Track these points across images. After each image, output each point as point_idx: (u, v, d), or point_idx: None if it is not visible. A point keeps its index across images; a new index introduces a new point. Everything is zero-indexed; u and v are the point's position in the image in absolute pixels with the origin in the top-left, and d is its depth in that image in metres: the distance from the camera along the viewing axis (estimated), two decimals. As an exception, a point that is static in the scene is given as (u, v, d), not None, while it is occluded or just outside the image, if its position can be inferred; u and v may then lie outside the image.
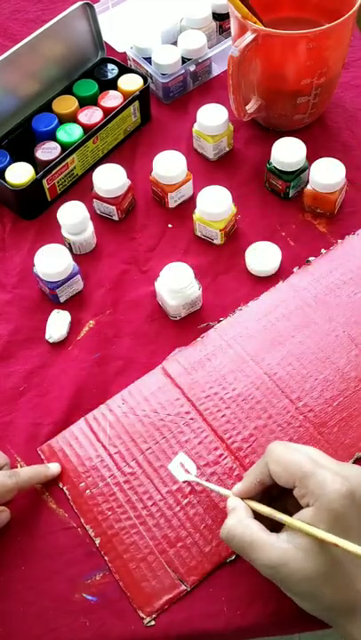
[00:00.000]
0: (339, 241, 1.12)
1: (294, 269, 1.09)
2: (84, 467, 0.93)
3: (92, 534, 0.88)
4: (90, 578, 0.86)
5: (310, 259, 1.10)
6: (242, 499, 0.81)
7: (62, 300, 1.07)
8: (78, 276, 1.06)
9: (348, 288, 1.07)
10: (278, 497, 0.81)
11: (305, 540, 0.72)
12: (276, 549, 0.73)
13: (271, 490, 0.80)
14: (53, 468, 0.92)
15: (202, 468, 0.92)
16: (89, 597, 0.84)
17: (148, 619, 0.83)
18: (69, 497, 0.91)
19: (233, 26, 1.14)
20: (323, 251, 1.11)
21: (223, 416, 0.96)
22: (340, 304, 1.05)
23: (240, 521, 0.77)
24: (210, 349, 1.02)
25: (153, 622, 0.83)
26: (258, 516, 0.79)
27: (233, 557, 0.86)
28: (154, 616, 0.83)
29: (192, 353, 1.02)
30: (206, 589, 0.84)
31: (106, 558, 0.87)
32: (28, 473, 0.89)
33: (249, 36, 1.06)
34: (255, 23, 1.08)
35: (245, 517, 0.78)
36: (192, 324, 1.05)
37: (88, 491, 0.92)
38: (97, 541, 0.88)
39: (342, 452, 0.92)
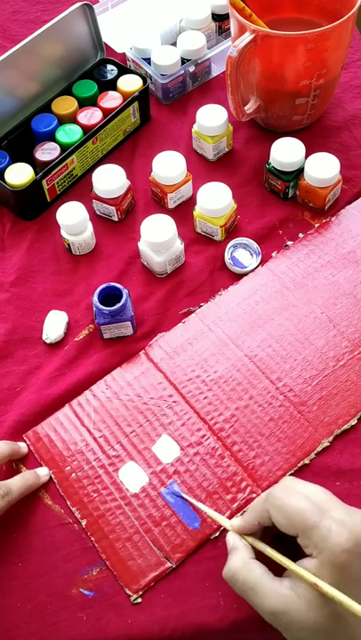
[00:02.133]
0: (316, 225, 1.14)
1: (273, 254, 1.11)
2: (70, 451, 0.95)
3: (79, 516, 0.90)
4: (86, 573, 0.86)
5: (288, 243, 1.12)
6: (242, 535, 0.79)
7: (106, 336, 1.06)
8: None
9: (325, 270, 1.09)
10: (283, 536, 0.76)
11: (309, 590, 0.70)
12: (279, 596, 0.71)
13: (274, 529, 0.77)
14: (43, 475, 0.93)
15: (185, 449, 0.94)
16: (86, 592, 0.85)
17: (135, 596, 0.84)
18: (55, 481, 0.93)
19: (233, 27, 1.14)
20: (300, 235, 1.13)
21: (205, 398, 0.98)
22: (317, 286, 1.07)
23: (244, 563, 0.75)
24: (191, 333, 1.04)
25: (140, 599, 0.84)
26: (259, 554, 0.77)
27: (217, 534, 0.88)
28: (140, 593, 0.84)
29: (174, 337, 1.04)
30: (203, 583, 0.85)
31: (92, 539, 0.88)
32: (19, 489, 0.89)
33: (247, 37, 1.06)
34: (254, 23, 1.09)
35: (248, 559, 0.76)
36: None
37: (74, 474, 0.93)
38: (83, 523, 0.89)
39: (322, 430, 0.95)
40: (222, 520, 0.84)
